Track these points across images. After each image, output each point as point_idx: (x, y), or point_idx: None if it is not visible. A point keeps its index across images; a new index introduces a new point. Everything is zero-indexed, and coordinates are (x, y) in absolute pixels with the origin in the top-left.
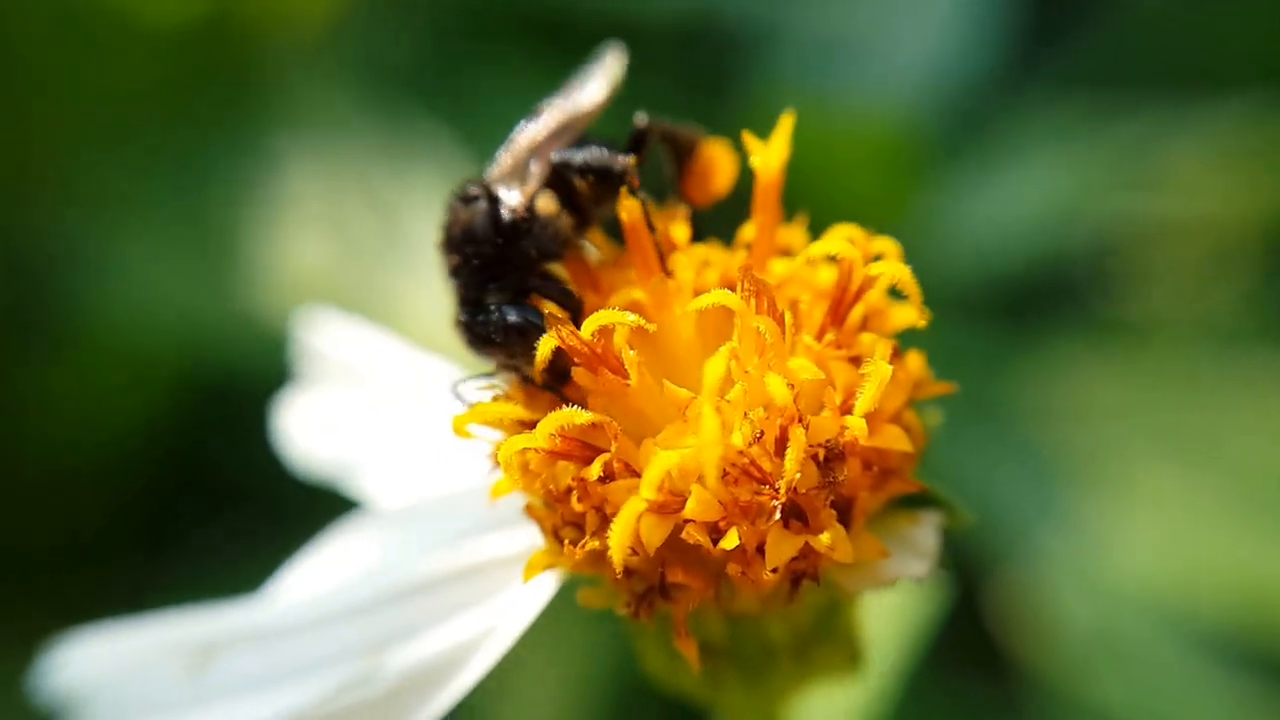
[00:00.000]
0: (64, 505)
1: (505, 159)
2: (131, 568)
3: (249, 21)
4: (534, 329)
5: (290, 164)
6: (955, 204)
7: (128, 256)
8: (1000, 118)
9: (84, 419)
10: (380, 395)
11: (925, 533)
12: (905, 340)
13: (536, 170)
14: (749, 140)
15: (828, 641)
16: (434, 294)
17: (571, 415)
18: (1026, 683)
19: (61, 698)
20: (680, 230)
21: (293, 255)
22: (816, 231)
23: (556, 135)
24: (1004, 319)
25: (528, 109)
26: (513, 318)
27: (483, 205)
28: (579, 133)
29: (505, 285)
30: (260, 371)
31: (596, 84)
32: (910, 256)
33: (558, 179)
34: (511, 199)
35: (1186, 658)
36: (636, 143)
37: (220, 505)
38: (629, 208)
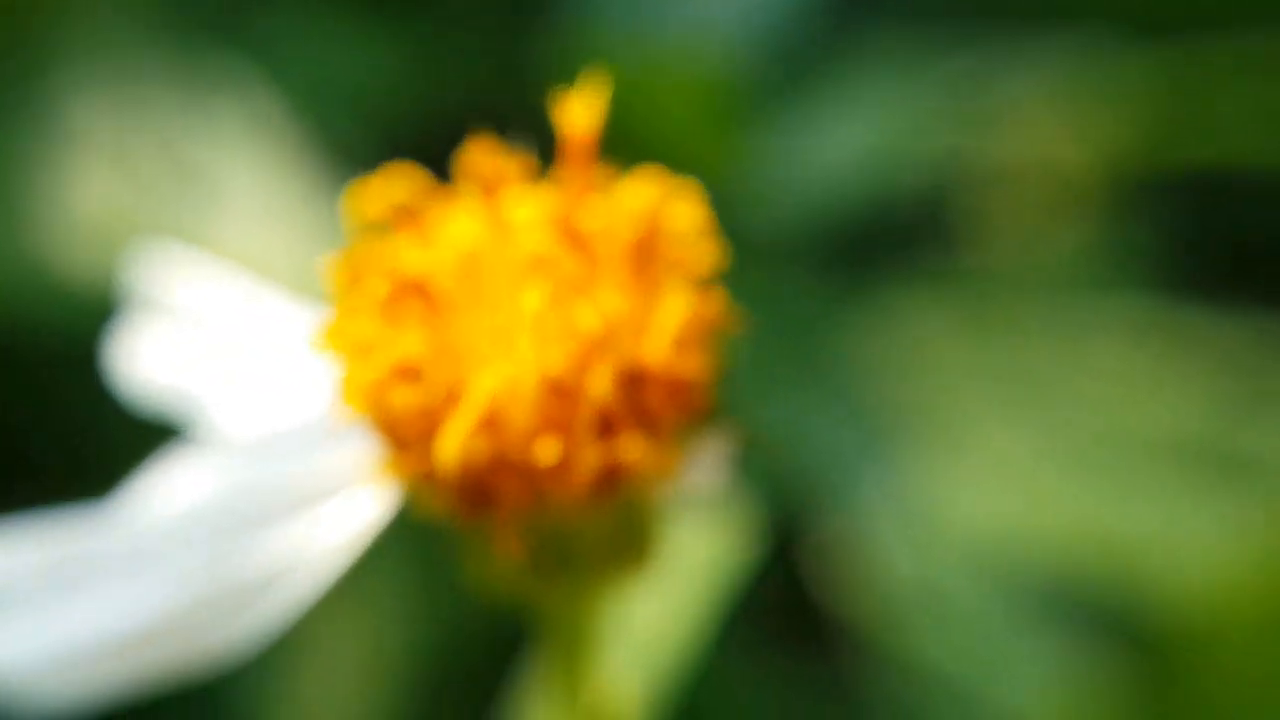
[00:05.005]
0: None
1: None
2: None
3: None
4: None
5: (72, 99)
6: (782, 147)
7: None
8: (828, 53)
9: None
10: (215, 324)
11: (721, 445)
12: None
13: None
14: (558, 97)
15: (629, 544)
16: (235, 234)
17: (402, 342)
18: (844, 639)
19: None
20: (512, 166)
21: (76, 196)
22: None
23: None
24: (835, 267)
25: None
26: None
27: None
28: None
29: None
30: (41, 322)
31: None
32: (734, 202)
33: None
34: None
35: (1012, 613)
36: None
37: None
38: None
